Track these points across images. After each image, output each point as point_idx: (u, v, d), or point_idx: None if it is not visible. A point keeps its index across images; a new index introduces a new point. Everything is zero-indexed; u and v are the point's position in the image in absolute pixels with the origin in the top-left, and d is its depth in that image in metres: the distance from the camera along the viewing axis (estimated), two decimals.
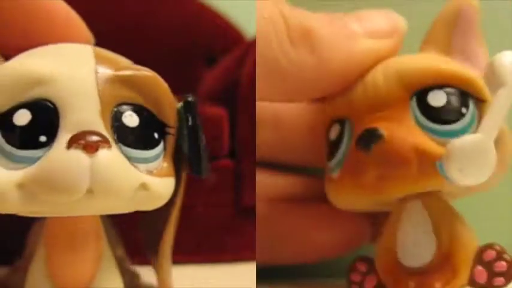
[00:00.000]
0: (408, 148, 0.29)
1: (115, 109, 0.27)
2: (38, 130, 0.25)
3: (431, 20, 0.34)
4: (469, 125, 0.30)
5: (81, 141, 0.24)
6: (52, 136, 0.25)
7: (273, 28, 0.30)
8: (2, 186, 0.24)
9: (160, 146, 0.28)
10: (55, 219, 0.29)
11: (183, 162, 0.30)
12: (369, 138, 0.29)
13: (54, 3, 0.29)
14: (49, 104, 0.25)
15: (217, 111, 0.53)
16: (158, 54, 0.68)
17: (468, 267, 0.30)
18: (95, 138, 0.25)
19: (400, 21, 0.33)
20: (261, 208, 0.38)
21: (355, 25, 0.32)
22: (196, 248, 0.51)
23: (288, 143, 0.38)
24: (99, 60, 0.27)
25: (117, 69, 0.27)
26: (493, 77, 0.30)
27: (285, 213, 0.38)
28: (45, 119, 0.25)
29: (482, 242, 0.31)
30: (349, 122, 0.32)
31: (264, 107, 0.37)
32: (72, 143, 0.24)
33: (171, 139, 0.29)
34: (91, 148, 0.24)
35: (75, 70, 0.26)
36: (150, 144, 0.27)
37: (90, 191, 0.25)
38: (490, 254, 0.30)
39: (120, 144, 0.26)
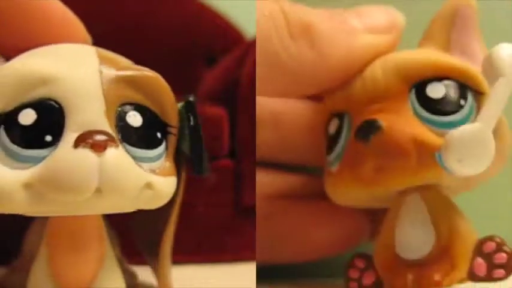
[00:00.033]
0: (407, 139, 0.29)
1: (119, 109, 0.27)
2: (43, 129, 0.25)
3: (429, 18, 0.34)
4: (468, 116, 0.30)
5: (89, 140, 0.24)
6: (57, 136, 0.25)
7: (273, 23, 0.30)
8: (9, 186, 0.24)
9: (163, 146, 0.28)
10: (57, 219, 0.29)
11: (183, 161, 0.30)
12: (368, 129, 0.30)
13: (50, 3, 0.29)
14: (54, 104, 0.25)
15: (217, 111, 0.53)
16: (158, 54, 0.68)
17: (467, 260, 0.30)
18: (102, 137, 0.25)
19: (398, 17, 0.34)
20: (259, 206, 0.38)
21: (354, 20, 0.32)
22: (196, 248, 0.51)
23: (288, 143, 0.38)
24: (102, 60, 0.27)
25: (120, 70, 0.27)
26: (491, 70, 0.30)
27: (283, 211, 0.38)
28: (51, 119, 0.25)
29: (481, 236, 0.31)
30: (348, 116, 0.32)
31: (263, 107, 0.37)
32: (80, 142, 0.24)
33: (172, 139, 0.29)
34: (99, 147, 0.24)
35: (79, 70, 0.26)
36: (153, 144, 0.28)
37: (98, 190, 0.25)
38: (490, 246, 0.30)
39: (124, 144, 0.26)
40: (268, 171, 0.39)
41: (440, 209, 0.31)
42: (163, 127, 0.28)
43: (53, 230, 0.29)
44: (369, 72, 0.32)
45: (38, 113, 0.25)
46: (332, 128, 0.33)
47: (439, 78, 0.30)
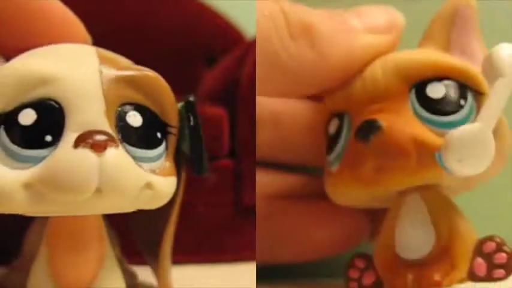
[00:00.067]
0: (407, 139, 0.29)
1: (119, 109, 0.27)
2: (43, 129, 0.25)
3: (429, 18, 0.34)
4: (468, 116, 0.30)
5: (89, 140, 0.24)
6: (57, 136, 0.25)
7: (273, 23, 0.31)
8: (9, 186, 0.24)
9: (163, 146, 0.28)
10: (57, 219, 0.29)
11: (183, 161, 0.30)
12: (368, 129, 0.30)
13: (50, 3, 0.29)
14: (54, 104, 0.25)
15: (217, 111, 0.53)
16: (158, 54, 0.68)
17: (467, 260, 0.30)
18: (102, 137, 0.25)
19: (398, 17, 0.34)
20: (259, 206, 0.38)
21: (354, 21, 0.32)
22: (196, 248, 0.51)
23: (288, 143, 0.38)
24: (102, 60, 0.27)
25: (120, 69, 0.27)
26: (491, 70, 0.30)
27: (283, 211, 0.38)
28: (51, 119, 0.25)
29: (481, 236, 0.31)
30: (348, 116, 0.32)
31: (263, 107, 0.37)
32: (80, 142, 0.24)
33: (172, 139, 0.29)
34: (99, 147, 0.24)
35: (79, 70, 0.26)
36: (153, 144, 0.28)
37: (98, 190, 0.25)
38: (490, 246, 0.30)
39: (124, 144, 0.26)
40: (268, 171, 0.39)
41: (440, 209, 0.31)
42: (163, 127, 0.28)
43: (53, 230, 0.29)
44: (369, 72, 0.32)
45: (38, 113, 0.25)
46: (332, 128, 0.33)
47: (439, 78, 0.30)
